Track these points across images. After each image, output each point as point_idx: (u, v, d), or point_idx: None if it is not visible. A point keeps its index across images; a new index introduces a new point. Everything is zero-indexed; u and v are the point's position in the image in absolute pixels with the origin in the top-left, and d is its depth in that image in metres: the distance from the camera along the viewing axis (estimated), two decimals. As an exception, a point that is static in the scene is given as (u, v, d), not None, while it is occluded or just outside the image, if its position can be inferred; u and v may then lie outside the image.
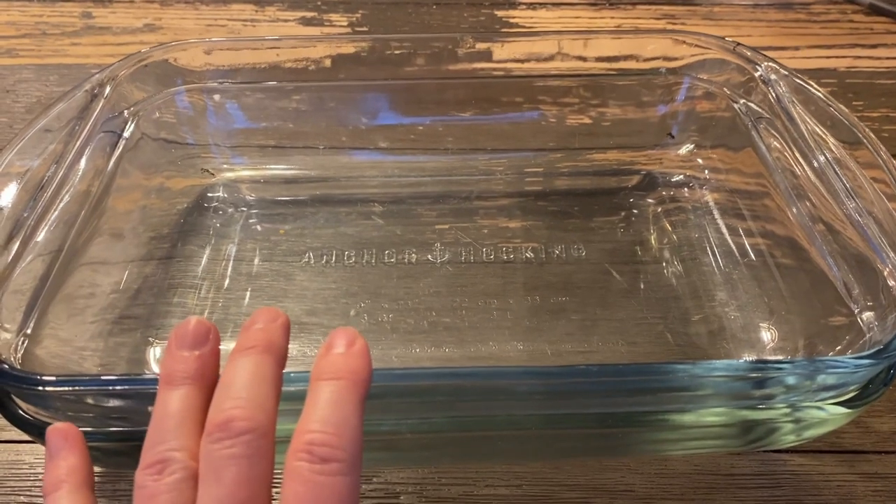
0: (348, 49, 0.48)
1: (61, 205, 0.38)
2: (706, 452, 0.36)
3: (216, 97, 0.49)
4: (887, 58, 0.65)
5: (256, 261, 0.46)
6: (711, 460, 0.37)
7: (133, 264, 0.43)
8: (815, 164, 0.39)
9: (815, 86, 0.42)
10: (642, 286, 0.44)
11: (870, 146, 0.38)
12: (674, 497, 0.35)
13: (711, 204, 0.47)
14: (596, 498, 0.35)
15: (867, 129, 0.39)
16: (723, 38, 0.47)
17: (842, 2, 0.72)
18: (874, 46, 0.66)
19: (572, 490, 0.36)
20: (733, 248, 0.45)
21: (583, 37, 0.48)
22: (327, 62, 0.48)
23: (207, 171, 0.50)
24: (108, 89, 0.43)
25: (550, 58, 0.49)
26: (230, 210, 0.48)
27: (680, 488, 0.36)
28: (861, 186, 0.37)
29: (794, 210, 0.40)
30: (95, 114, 0.41)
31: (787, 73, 0.43)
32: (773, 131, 0.43)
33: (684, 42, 0.48)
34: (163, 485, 0.23)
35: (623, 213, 0.48)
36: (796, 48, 0.66)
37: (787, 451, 0.37)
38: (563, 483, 0.36)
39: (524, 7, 0.71)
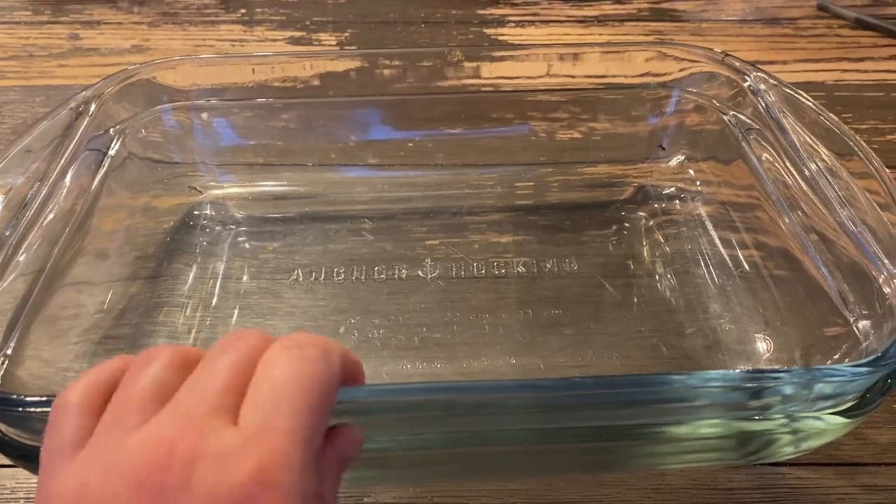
0: (337, 66, 0.48)
1: (44, 223, 0.38)
2: (703, 466, 0.36)
3: (203, 115, 0.48)
4: (874, 71, 0.65)
5: (244, 279, 0.45)
6: (708, 474, 0.36)
7: (118, 284, 0.42)
8: (807, 174, 0.38)
9: (805, 95, 0.42)
10: (635, 299, 0.43)
11: (862, 155, 0.38)
12: (671, 513, 0.35)
13: (704, 216, 0.47)
14: (592, 515, 0.35)
15: (858, 139, 0.38)
16: (711, 49, 0.47)
17: (828, 16, 0.73)
18: (861, 60, 0.66)
19: (568, 507, 0.35)
20: (727, 259, 0.44)
21: (572, 50, 0.48)
22: (316, 80, 0.48)
23: (195, 188, 0.49)
24: (93, 107, 0.43)
25: (540, 73, 0.48)
26: (217, 228, 0.48)
27: (677, 503, 0.35)
28: (854, 196, 0.36)
29: (787, 220, 0.40)
30: (80, 132, 0.41)
31: (775, 83, 0.43)
32: (763, 142, 0.43)
33: (673, 55, 0.48)
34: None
35: (615, 227, 0.48)
36: (784, 62, 0.66)
37: (785, 464, 0.36)
38: (557, 500, 0.35)
39: (513, 25, 0.72)
